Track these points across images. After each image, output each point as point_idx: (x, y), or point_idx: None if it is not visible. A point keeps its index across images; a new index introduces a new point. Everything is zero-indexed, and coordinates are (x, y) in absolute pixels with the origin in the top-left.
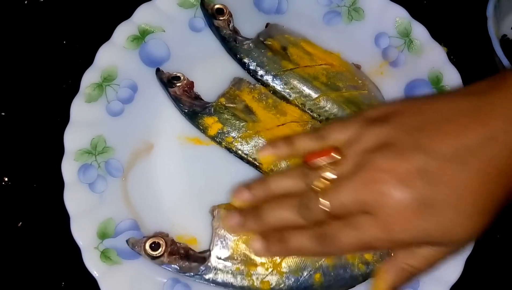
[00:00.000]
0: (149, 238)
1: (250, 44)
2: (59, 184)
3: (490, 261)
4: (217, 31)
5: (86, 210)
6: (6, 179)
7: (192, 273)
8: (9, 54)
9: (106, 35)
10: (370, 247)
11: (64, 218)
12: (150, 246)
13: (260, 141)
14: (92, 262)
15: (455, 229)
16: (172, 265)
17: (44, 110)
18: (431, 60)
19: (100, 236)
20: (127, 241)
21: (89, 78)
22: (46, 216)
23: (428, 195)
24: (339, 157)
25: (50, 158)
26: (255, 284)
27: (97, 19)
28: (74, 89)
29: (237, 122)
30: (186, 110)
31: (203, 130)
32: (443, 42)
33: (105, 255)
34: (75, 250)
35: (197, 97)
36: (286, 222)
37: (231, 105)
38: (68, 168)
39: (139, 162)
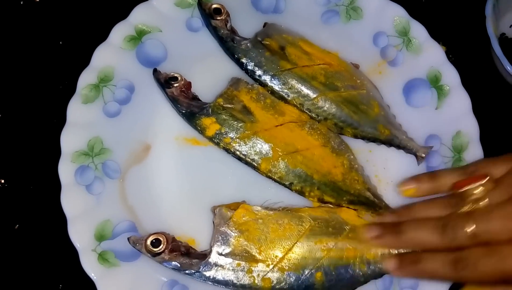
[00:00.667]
0: (150, 235)
1: (248, 44)
2: (56, 186)
3: None
4: (214, 31)
5: (83, 212)
6: (2, 181)
7: (193, 270)
8: (5, 55)
9: (102, 36)
10: (509, 278)
11: (61, 220)
12: (152, 243)
13: (258, 141)
14: (90, 265)
15: None
16: (173, 262)
17: (40, 111)
18: (430, 59)
19: (97, 238)
20: (128, 239)
21: (86, 79)
22: (43, 218)
23: None
24: (491, 185)
25: (46, 160)
26: (256, 281)
27: (94, 19)
28: (70, 90)
29: (235, 122)
30: (183, 111)
31: (201, 130)
32: (441, 41)
33: (102, 257)
34: (73, 253)
35: (195, 98)
36: (425, 243)
37: (229, 106)
38: (65, 170)
39: (136, 163)
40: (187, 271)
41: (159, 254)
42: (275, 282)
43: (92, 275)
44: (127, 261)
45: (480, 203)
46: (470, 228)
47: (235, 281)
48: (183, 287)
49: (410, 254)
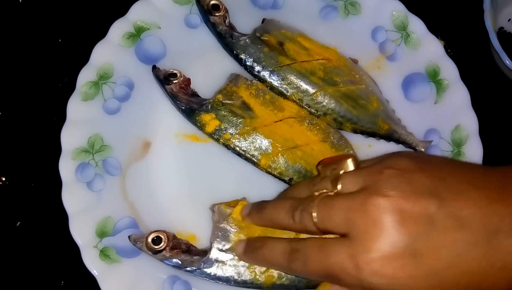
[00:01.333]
0: (151, 233)
1: (247, 40)
2: (57, 183)
3: None
4: (213, 27)
5: (85, 209)
6: (3, 179)
7: (194, 267)
8: (4, 53)
9: (101, 33)
10: (335, 277)
11: (62, 217)
12: (152, 240)
13: (258, 137)
14: (91, 261)
15: None
16: (174, 259)
17: (40, 109)
18: (428, 53)
19: (99, 234)
20: (129, 237)
21: (85, 76)
22: (45, 215)
23: (421, 248)
24: (353, 167)
25: (47, 157)
26: (257, 277)
27: (92, 16)
28: (70, 88)
29: (235, 118)
30: (183, 107)
31: (201, 127)
32: (440, 36)
33: (104, 253)
34: (74, 249)
35: (194, 94)
36: (280, 224)
37: (228, 102)
38: (66, 167)
39: (136, 160)
40: (188, 268)
41: (160, 251)
42: (276, 277)
43: (94, 271)
44: (129, 257)
45: (332, 187)
46: (313, 214)
47: (236, 277)
48: (185, 283)
49: (257, 239)
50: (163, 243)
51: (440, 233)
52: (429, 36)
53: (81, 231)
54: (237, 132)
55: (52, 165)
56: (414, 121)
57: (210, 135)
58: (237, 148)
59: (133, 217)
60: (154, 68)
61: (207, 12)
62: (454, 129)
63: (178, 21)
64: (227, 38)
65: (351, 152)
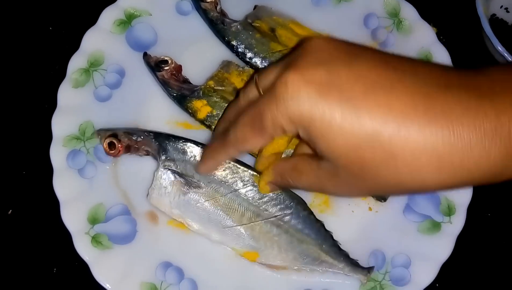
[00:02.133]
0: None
1: (238, 26)
2: (48, 170)
3: (480, 240)
4: (204, 14)
5: (76, 196)
6: None
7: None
8: None
9: (92, 20)
10: (261, 121)
11: (54, 204)
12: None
13: None
14: (83, 248)
15: (334, 132)
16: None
17: (31, 96)
18: (421, 40)
19: (90, 221)
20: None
21: (76, 63)
22: (36, 203)
23: (329, 80)
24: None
25: (38, 145)
26: None
27: (83, 3)
28: (61, 75)
29: (226, 104)
30: (174, 94)
31: (192, 113)
32: (432, 22)
33: (96, 240)
34: (66, 236)
35: (186, 81)
36: (237, 109)
37: (220, 88)
38: (57, 154)
39: None
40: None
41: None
42: None
43: (86, 258)
44: (121, 244)
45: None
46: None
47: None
48: (177, 269)
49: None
50: (117, 147)
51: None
52: (421, 23)
53: (73, 218)
54: None
55: (43, 153)
56: None
57: (202, 121)
58: None
59: (125, 204)
60: (145, 55)
61: None
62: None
63: (169, 7)
64: (219, 25)
65: None
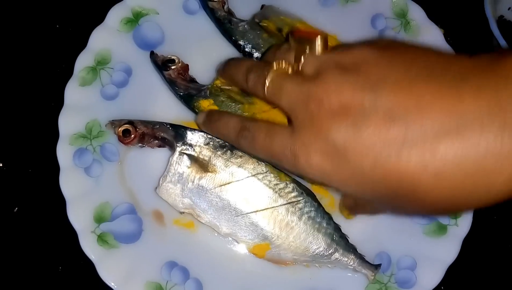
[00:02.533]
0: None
1: (245, 26)
2: (55, 168)
3: (486, 243)
4: (211, 13)
5: (82, 194)
6: (1, 164)
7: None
8: (2, 39)
9: (99, 18)
10: (277, 160)
11: (60, 202)
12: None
13: None
14: (89, 246)
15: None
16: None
17: (38, 94)
18: (428, 41)
19: (96, 220)
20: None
21: (83, 61)
22: (42, 201)
23: (350, 146)
24: (319, 49)
25: (45, 143)
26: None
27: (90, 2)
28: (68, 73)
29: (233, 104)
30: (181, 93)
31: (199, 113)
32: (439, 24)
33: (102, 239)
34: (72, 235)
35: (192, 80)
36: (238, 81)
37: (227, 88)
38: (63, 152)
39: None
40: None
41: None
42: None
43: (91, 256)
44: (127, 243)
45: (292, 60)
46: (266, 83)
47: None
48: (183, 269)
49: (216, 112)
50: (132, 134)
51: (369, 129)
52: (429, 24)
53: (79, 217)
54: None
55: (49, 151)
56: None
57: None
58: None
59: (131, 203)
60: (152, 54)
61: None
62: None
63: (176, 6)
64: (226, 24)
65: None
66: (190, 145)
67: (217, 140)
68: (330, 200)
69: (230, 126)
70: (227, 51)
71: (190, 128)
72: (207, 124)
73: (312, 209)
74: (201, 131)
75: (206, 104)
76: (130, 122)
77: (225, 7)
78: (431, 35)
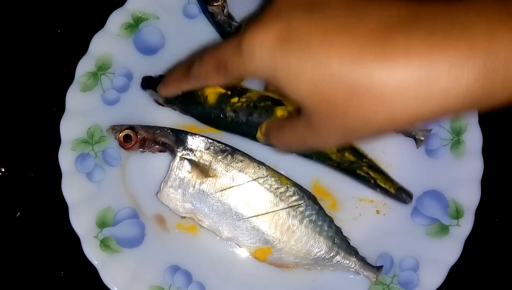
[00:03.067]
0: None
1: None
2: (57, 174)
3: (488, 244)
4: (211, 17)
5: (85, 200)
6: (3, 169)
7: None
8: (3, 44)
9: (100, 23)
10: (225, 67)
11: (62, 207)
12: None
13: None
14: (92, 251)
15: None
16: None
17: (39, 100)
18: None
19: (99, 225)
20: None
21: (84, 67)
22: (44, 206)
23: (289, 31)
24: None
25: (46, 148)
26: None
27: (91, 7)
28: (69, 79)
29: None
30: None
31: (204, 99)
32: None
33: (104, 244)
34: (74, 240)
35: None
36: (181, 81)
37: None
38: (65, 157)
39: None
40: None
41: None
42: None
43: (94, 261)
44: (129, 248)
45: None
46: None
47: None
48: (185, 273)
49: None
50: (133, 139)
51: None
52: None
53: (81, 222)
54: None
55: (51, 156)
56: None
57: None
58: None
59: (133, 208)
60: (144, 80)
61: (205, 2)
62: (454, 118)
63: (176, 11)
64: (226, 28)
65: None
66: (191, 150)
67: (218, 144)
68: (331, 202)
69: (180, 71)
70: None
71: (191, 133)
72: (167, 86)
73: (313, 212)
74: (202, 136)
75: (211, 89)
76: (131, 127)
77: (224, 11)
78: None
